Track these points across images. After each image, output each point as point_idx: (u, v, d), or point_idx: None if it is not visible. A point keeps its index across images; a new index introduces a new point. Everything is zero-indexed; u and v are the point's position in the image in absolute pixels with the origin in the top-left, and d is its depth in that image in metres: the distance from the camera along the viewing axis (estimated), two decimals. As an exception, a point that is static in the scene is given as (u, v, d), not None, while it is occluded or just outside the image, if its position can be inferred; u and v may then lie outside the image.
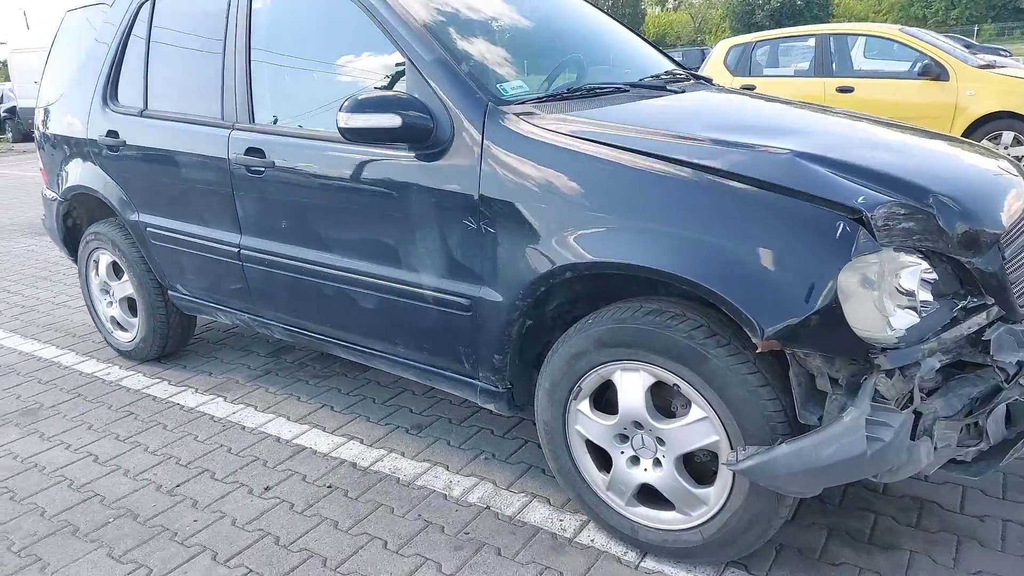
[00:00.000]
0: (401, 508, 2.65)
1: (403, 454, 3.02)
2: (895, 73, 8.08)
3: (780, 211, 1.92)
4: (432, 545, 2.44)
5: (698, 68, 4.76)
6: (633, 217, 2.08)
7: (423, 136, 2.43)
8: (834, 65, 8.39)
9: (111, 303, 4.16)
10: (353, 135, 2.43)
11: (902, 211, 1.89)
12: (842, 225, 1.83)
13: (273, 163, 2.92)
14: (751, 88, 7.91)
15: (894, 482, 2.10)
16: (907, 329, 1.84)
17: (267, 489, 2.83)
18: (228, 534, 2.57)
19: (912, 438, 1.91)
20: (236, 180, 3.09)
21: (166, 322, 3.93)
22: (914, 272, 1.85)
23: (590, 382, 2.29)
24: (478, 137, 2.36)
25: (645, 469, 2.27)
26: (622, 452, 2.30)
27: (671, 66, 3.52)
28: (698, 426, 2.11)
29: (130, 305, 4.08)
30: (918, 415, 1.93)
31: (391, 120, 2.36)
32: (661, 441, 2.21)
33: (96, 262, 4.13)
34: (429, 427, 3.25)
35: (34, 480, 3.01)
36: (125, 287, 4.02)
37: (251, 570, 2.38)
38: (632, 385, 2.20)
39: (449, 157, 2.42)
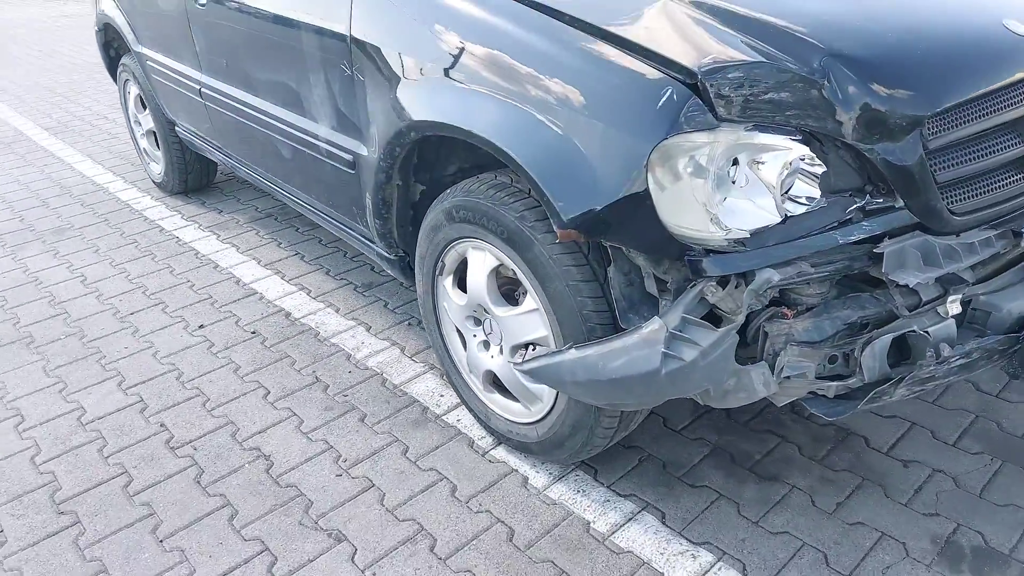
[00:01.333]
0: (303, 362, 2.65)
1: (338, 310, 3.00)
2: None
3: (604, 68, 1.56)
4: (306, 402, 2.43)
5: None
6: (466, 72, 1.79)
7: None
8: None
9: (142, 134, 4.34)
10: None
11: (766, 77, 1.47)
12: (668, 93, 1.47)
13: (210, -6, 2.80)
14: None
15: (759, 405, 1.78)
16: (753, 230, 1.49)
17: (200, 327, 2.93)
18: (143, 364, 2.70)
19: (767, 361, 1.59)
20: (190, 13, 3.00)
21: (182, 157, 4.05)
22: (776, 158, 1.47)
23: (451, 258, 2.10)
24: (352, -29, 2.10)
25: (492, 356, 2.09)
26: (474, 335, 2.12)
27: None
28: (529, 318, 1.89)
29: (155, 137, 4.23)
30: (764, 334, 1.60)
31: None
32: (506, 329, 2.00)
33: (129, 94, 4.28)
34: (378, 287, 3.19)
35: (27, 294, 3.29)
36: (148, 120, 4.16)
37: (142, 399, 2.50)
38: (478, 266, 1.99)
39: (329, -7, 2.18)
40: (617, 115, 1.51)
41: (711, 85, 1.44)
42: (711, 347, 1.53)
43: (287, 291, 3.18)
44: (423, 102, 1.90)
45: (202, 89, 3.15)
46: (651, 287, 1.66)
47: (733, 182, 1.51)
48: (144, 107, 4.18)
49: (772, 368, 1.60)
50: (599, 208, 1.54)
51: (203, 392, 2.52)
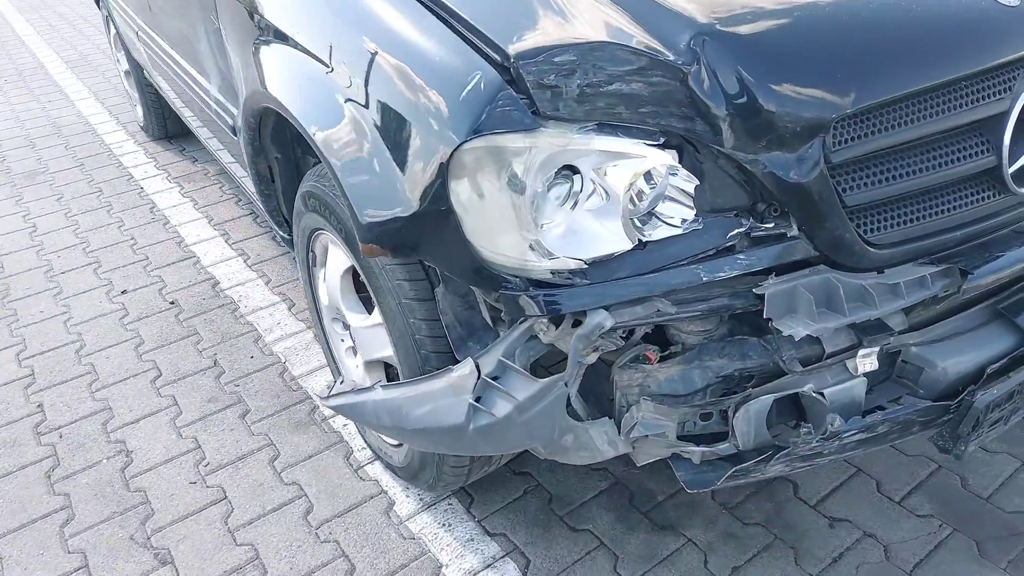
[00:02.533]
0: (208, 341, 2.46)
1: (268, 282, 2.79)
2: None
3: (414, 40, 1.24)
4: (194, 389, 2.25)
5: None
6: (284, 41, 1.49)
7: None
8: None
9: (122, 75, 4.18)
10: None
11: (609, 61, 1.13)
12: (476, 81, 1.14)
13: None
14: None
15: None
16: (592, 259, 1.17)
17: (123, 293, 2.77)
18: (50, 332, 2.56)
19: (617, 418, 1.30)
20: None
21: (157, 101, 3.87)
22: (625, 168, 1.15)
23: (319, 249, 1.83)
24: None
25: (357, 366, 1.83)
26: (342, 339, 1.87)
27: None
28: (377, 332, 1.62)
29: (136, 79, 4.05)
30: (614, 384, 1.29)
31: None
32: (366, 338, 1.74)
33: (111, 31, 4.11)
34: (318, 255, 2.95)
35: (-25, 242, 3.21)
36: (124, 60, 3.98)
37: (33, 372, 2.36)
38: (333, 264, 1.72)
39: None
40: (421, 106, 1.19)
41: (529, 72, 1.11)
42: (530, 401, 1.23)
43: (225, 256, 2.98)
44: (259, 69, 1.61)
45: (139, 32, 2.93)
46: (486, 314, 1.36)
47: (574, 197, 1.18)
48: (122, 46, 4.00)
49: (620, 424, 1.29)
50: (399, 223, 1.24)
51: (95, 369, 2.36)
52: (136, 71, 3.79)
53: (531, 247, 1.15)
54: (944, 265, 1.29)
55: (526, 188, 1.12)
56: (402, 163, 1.21)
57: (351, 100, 1.29)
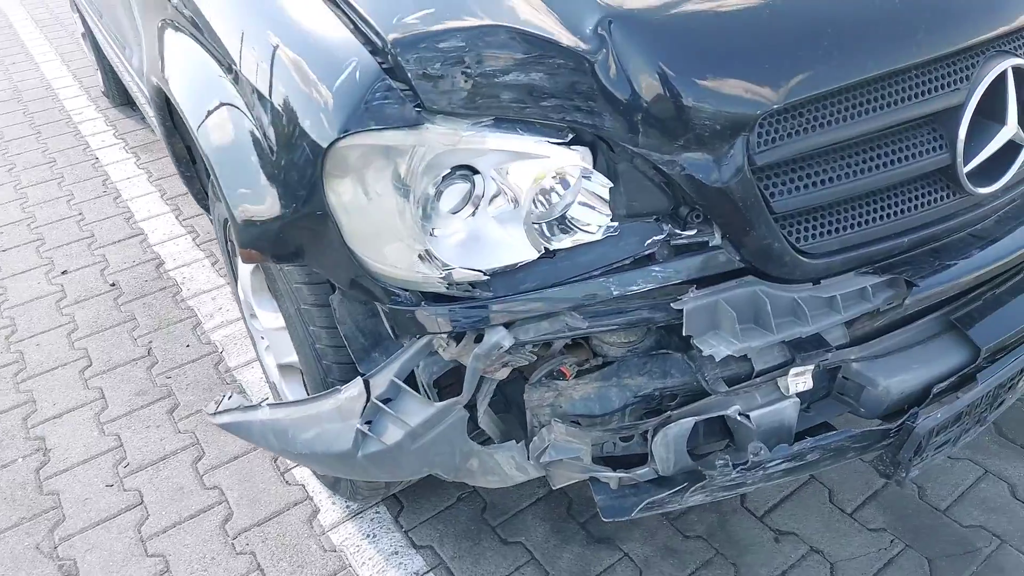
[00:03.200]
0: (145, 327, 2.35)
1: (215, 263, 2.67)
2: None
3: (298, 21, 1.10)
4: (123, 381, 2.14)
5: None
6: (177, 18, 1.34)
7: None
8: None
9: (80, 37, 4.01)
10: None
11: (503, 48, 0.98)
12: (351, 69, 1.00)
13: None
14: None
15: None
16: (493, 269, 1.05)
17: (63, 273, 2.65)
18: (-17, 316, 2.45)
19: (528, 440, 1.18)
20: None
21: (112, 67, 3.70)
22: (528, 169, 1.01)
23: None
24: None
25: (273, 368, 1.71)
26: (262, 337, 1.75)
27: None
28: (284, 335, 1.49)
29: (91, 42, 3.88)
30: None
31: None
32: (282, 338, 1.62)
33: (67, -5, 3.93)
34: (269, 234, 2.82)
35: (-80, 217, 3.08)
36: (80, 23, 3.81)
37: (-38, 362, 2.26)
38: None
39: None
40: (297, 99, 1.05)
41: (409, 61, 0.96)
42: (423, 426, 1.12)
43: (174, 234, 2.85)
44: (160, 49, 1.47)
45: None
46: (387, 325, 1.24)
47: (475, 202, 1.04)
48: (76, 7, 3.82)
49: (529, 447, 1.18)
50: (276, 228, 1.11)
51: (24, 358, 2.25)
52: (91, 34, 3.62)
53: (421, 257, 1.03)
54: (888, 275, 1.15)
55: (411, 192, 0.99)
56: (279, 162, 1.08)
57: (229, 90, 1.16)
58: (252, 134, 1.12)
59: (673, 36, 1.00)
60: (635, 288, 1.08)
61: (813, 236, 1.11)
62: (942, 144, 1.14)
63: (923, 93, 1.09)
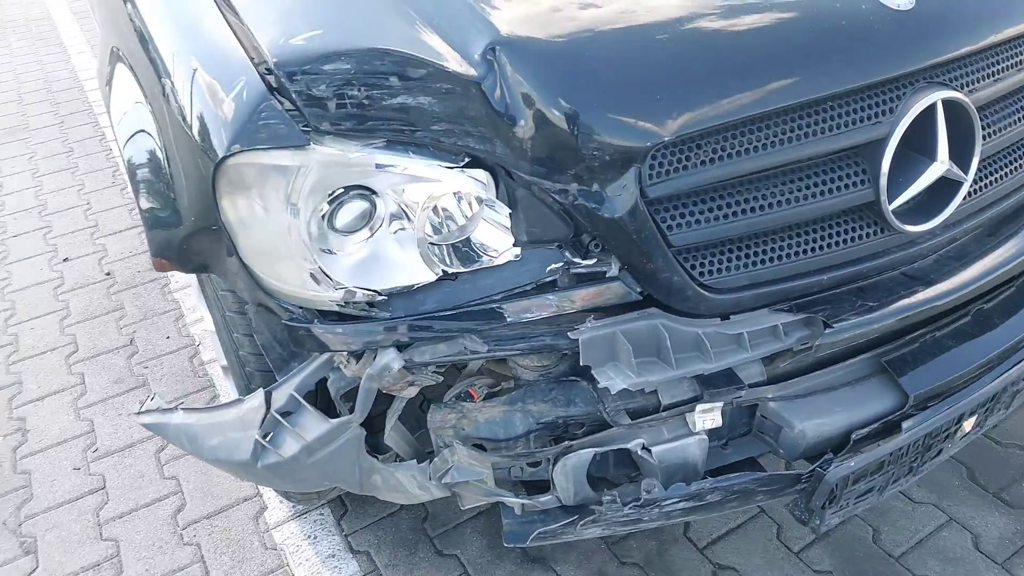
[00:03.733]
0: (131, 317, 2.42)
1: (209, 255, 2.71)
2: None
3: (200, 38, 1.12)
4: (104, 369, 2.21)
5: None
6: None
7: None
8: None
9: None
10: None
11: (391, 71, 0.99)
12: (240, 88, 1.01)
13: None
14: None
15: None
16: (388, 290, 1.06)
17: (65, 260, 2.74)
18: (-15, 298, 2.55)
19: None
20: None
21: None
22: (420, 191, 1.02)
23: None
24: None
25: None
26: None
27: None
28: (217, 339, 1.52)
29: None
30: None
31: None
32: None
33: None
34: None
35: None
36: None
37: (-41, 342, 2.35)
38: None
39: None
40: (196, 116, 1.07)
41: (294, 82, 0.97)
42: (319, 442, 1.13)
43: (175, 225, 2.91)
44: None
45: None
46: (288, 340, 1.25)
47: (375, 222, 1.04)
48: None
49: (431, 468, 1.18)
50: (180, 239, 1.13)
51: (17, 341, 2.34)
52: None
53: (312, 276, 1.03)
54: (803, 314, 1.12)
55: (300, 211, 1.00)
56: (179, 176, 1.10)
57: (141, 104, 1.18)
58: (159, 149, 1.14)
59: (562, 64, 0.99)
60: (528, 316, 1.07)
61: (719, 271, 1.09)
62: (865, 179, 1.10)
63: (839, 126, 1.06)
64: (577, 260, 1.07)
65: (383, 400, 1.18)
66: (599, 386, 1.08)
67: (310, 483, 1.21)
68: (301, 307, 1.07)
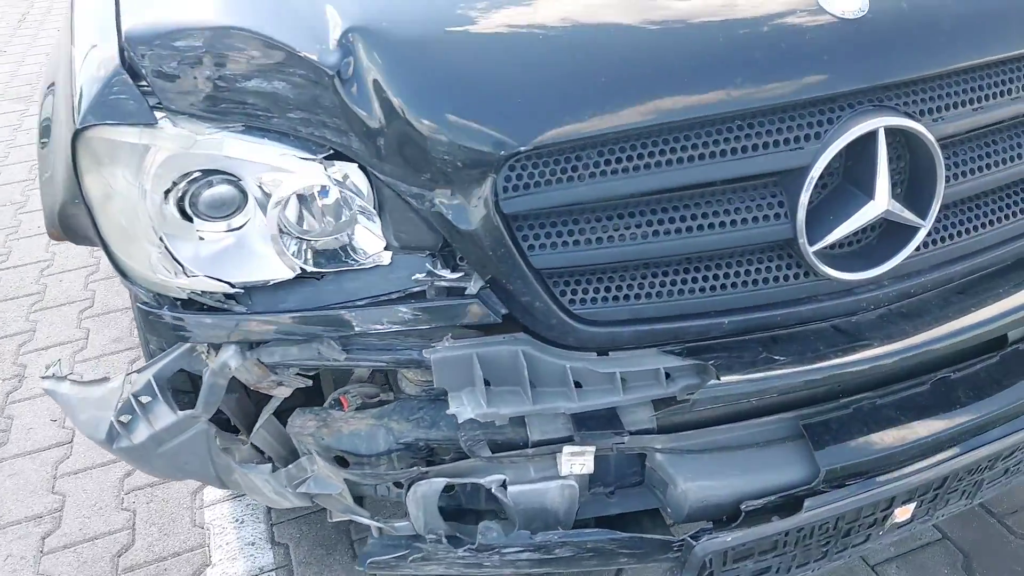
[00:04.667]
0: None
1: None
2: None
3: (85, 21, 1.10)
4: (109, 326, 2.29)
5: None
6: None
7: None
8: None
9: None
10: None
11: (242, 52, 0.93)
12: (100, 61, 0.99)
13: None
14: None
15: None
16: (245, 283, 1.01)
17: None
18: (34, 247, 2.70)
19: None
20: None
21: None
22: (276, 183, 0.96)
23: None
24: None
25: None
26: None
27: None
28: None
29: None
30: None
31: None
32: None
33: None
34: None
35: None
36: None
37: (-3, 286, 2.51)
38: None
39: None
40: (64, 89, 1.05)
41: (143, 57, 0.93)
42: (166, 432, 1.09)
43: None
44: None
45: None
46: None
47: (235, 210, 0.99)
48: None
49: (287, 475, 1.12)
50: (60, 212, 1.11)
51: (45, 291, 2.47)
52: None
53: (159, 260, 0.99)
54: (693, 360, 0.97)
55: (147, 192, 0.96)
56: (55, 150, 1.08)
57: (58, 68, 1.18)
58: (46, 121, 1.13)
59: (418, 58, 0.90)
60: (378, 327, 0.98)
61: (593, 300, 0.96)
62: (780, 213, 0.94)
63: (745, 150, 0.90)
64: (440, 272, 0.98)
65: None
66: (448, 412, 0.98)
67: (161, 472, 1.17)
68: (156, 292, 1.03)
